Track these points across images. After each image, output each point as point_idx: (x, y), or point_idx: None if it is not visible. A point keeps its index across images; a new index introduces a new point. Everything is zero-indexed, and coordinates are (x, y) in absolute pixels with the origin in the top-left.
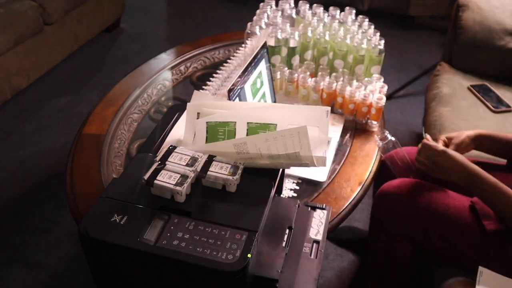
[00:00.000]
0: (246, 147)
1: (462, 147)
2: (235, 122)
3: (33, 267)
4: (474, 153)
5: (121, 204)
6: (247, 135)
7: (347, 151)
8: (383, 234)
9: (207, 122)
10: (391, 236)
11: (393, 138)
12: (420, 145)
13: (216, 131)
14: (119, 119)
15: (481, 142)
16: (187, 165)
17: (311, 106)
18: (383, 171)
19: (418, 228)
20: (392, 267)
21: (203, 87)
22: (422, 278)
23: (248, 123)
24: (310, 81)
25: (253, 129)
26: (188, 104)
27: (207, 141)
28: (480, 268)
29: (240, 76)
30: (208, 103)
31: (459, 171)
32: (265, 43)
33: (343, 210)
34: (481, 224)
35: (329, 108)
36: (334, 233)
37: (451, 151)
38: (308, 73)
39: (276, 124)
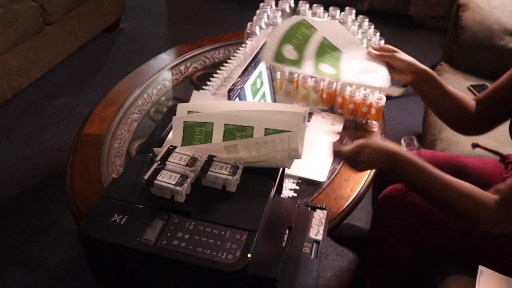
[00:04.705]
0: (237, 149)
1: (402, 66)
2: (213, 123)
3: (33, 267)
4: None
5: (121, 204)
6: (223, 136)
7: None
8: (386, 238)
9: (184, 122)
10: (394, 240)
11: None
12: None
13: (193, 131)
14: (119, 119)
15: (422, 78)
16: (187, 165)
17: (288, 110)
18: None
19: (421, 229)
20: (393, 270)
21: (203, 87)
22: (421, 278)
23: (225, 124)
24: (310, 81)
25: (230, 131)
26: (179, 104)
27: (183, 141)
28: (480, 268)
29: (240, 76)
30: (196, 103)
31: (381, 154)
32: (265, 43)
33: (343, 210)
34: None
35: (306, 113)
36: (335, 230)
37: (368, 140)
38: None
39: (253, 127)
